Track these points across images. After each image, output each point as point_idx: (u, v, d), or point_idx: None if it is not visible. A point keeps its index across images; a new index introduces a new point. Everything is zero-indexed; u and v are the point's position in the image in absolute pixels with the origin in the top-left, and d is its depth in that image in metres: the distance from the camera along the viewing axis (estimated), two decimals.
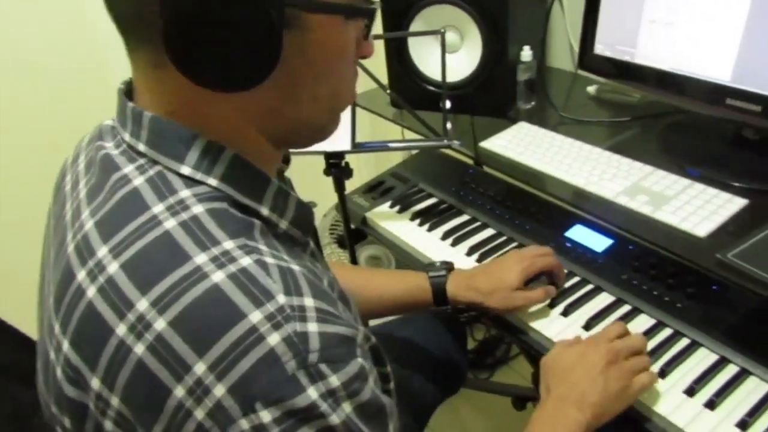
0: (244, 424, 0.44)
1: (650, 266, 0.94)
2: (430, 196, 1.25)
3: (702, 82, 1.02)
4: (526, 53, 1.25)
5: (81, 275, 0.50)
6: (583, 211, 1.04)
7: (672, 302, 0.89)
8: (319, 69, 0.53)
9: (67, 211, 0.57)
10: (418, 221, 1.18)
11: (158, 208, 0.49)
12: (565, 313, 0.92)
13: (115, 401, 0.47)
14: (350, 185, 1.27)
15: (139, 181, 0.51)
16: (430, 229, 1.16)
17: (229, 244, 0.48)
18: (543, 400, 0.77)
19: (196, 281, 0.46)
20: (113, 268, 0.48)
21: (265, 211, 0.54)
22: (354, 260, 1.39)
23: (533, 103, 1.33)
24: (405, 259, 1.15)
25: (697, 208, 0.93)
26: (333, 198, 1.24)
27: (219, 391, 0.44)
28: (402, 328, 1.14)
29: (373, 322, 1.19)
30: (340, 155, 1.17)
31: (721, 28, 0.96)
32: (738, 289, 0.85)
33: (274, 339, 0.44)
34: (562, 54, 1.47)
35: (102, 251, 0.49)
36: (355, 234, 1.32)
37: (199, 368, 0.44)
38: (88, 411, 0.49)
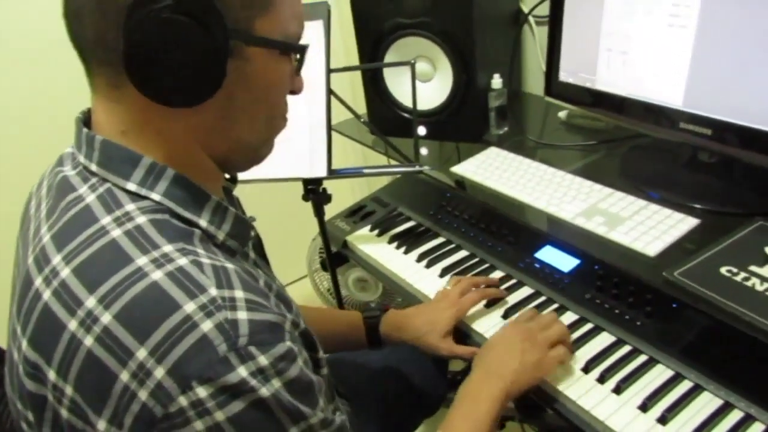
0: (183, 401, 0.49)
1: (613, 285, 0.96)
2: (408, 219, 1.29)
3: (656, 107, 1.05)
4: (497, 81, 1.30)
5: (38, 281, 0.56)
6: (546, 233, 1.07)
7: (632, 320, 0.91)
8: (255, 95, 0.61)
9: (30, 231, 0.63)
10: (395, 244, 1.22)
11: (106, 220, 0.56)
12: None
13: (69, 390, 0.52)
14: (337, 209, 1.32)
15: (90, 198, 0.58)
16: (406, 252, 1.19)
17: (167, 248, 0.54)
18: (470, 375, 0.86)
19: (137, 279, 0.52)
20: (65, 272, 0.54)
21: (203, 222, 0.60)
22: (336, 283, 1.42)
23: (506, 128, 1.37)
24: (383, 280, 1.18)
25: (650, 228, 0.96)
26: None
27: (159, 373, 0.49)
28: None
29: None
30: (317, 181, 1.22)
31: (671, 55, 1.00)
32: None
33: (206, 326, 0.50)
34: (536, 80, 1.52)
35: (56, 259, 0.55)
36: (338, 257, 1.36)
37: (141, 354, 0.50)
38: (46, 402, 0.54)
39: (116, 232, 0.55)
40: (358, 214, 1.35)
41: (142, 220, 0.56)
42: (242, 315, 0.52)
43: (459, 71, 1.28)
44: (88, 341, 0.51)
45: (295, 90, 0.67)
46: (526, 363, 0.84)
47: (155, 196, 0.58)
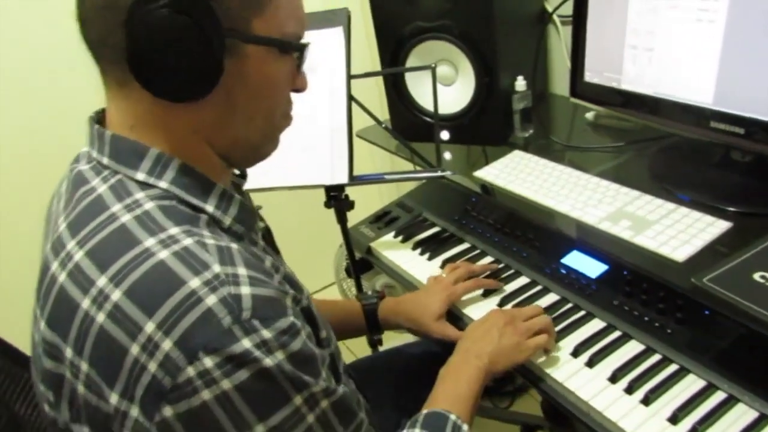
0: (191, 371, 0.52)
1: (642, 291, 0.93)
2: (433, 225, 1.28)
3: (685, 106, 1.02)
4: (520, 83, 1.27)
5: (54, 265, 0.60)
6: (573, 237, 1.05)
7: (662, 327, 0.88)
8: (254, 93, 0.63)
9: (50, 225, 0.67)
10: (419, 250, 1.21)
11: (116, 207, 0.59)
12: (555, 340, 0.92)
13: (84, 366, 0.56)
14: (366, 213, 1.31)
15: (102, 188, 0.61)
16: (430, 258, 1.18)
17: (174, 230, 0.57)
18: (450, 356, 0.89)
19: (145, 259, 0.55)
20: (79, 255, 0.58)
21: (210, 208, 0.63)
22: (360, 288, 1.42)
23: (531, 131, 1.34)
24: (407, 287, 1.17)
25: (678, 232, 0.92)
26: None
27: (167, 345, 0.52)
28: (412, 346, 1.20)
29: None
30: (339, 188, 1.21)
31: (699, 51, 0.96)
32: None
33: (211, 300, 0.53)
34: (563, 81, 1.48)
35: (71, 244, 0.59)
36: (362, 263, 1.36)
37: (149, 327, 0.52)
38: (64, 380, 0.58)
39: (126, 218, 0.58)
40: (383, 219, 1.34)
41: (150, 205, 0.59)
42: (245, 290, 0.55)
43: (481, 74, 1.26)
44: (100, 317, 0.54)
45: (298, 88, 0.69)
46: (503, 345, 0.87)
47: (163, 185, 0.61)
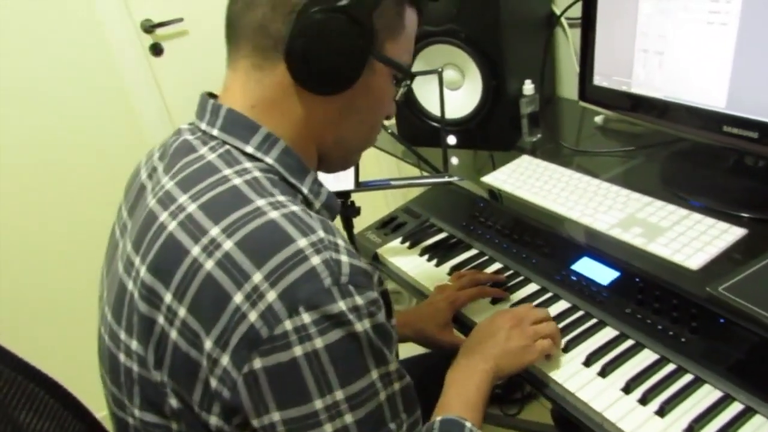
0: (288, 324, 0.55)
1: (654, 300, 0.91)
2: (440, 230, 1.26)
3: (697, 110, 1.00)
4: (528, 87, 1.26)
5: (163, 216, 0.63)
6: (583, 244, 1.03)
7: (676, 336, 0.86)
8: (370, 104, 0.72)
9: (146, 190, 0.70)
10: (426, 256, 1.19)
11: (228, 171, 0.63)
12: (566, 348, 0.90)
13: (182, 312, 0.58)
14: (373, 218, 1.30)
15: (212, 156, 0.66)
16: (437, 265, 1.17)
17: (281, 197, 0.62)
18: (456, 359, 0.88)
19: (258, 216, 0.59)
20: (192, 207, 0.61)
21: (305, 189, 0.69)
22: None
23: (539, 135, 1.33)
24: (415, 294, 1.15)
25: (691, 239, 0.91)
26: None
27: (271, 296, 0.55)
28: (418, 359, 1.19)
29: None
30: (345, 194, 1.20)
31: (711, 55, 0.95)
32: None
33: (315, 260, 0.57)
34: (571, 85, 1.47)
35: (182, 198, 0.63)
36: None
37: (257, 277, 0.55)
38: (155, 324, 0.60)
39: (237, 180, 0.62)
40: (389, 225, 1.33)
41: (258, 174, 0.64)
42: (345, 258, 0.59)
43: (488, 78, 1.25)
44: (209, 264, 0.57)
45: (390, 114, 0.76)
46: (510, 348, 0.86)
47: (269, 160, 0.66)
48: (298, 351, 0.55)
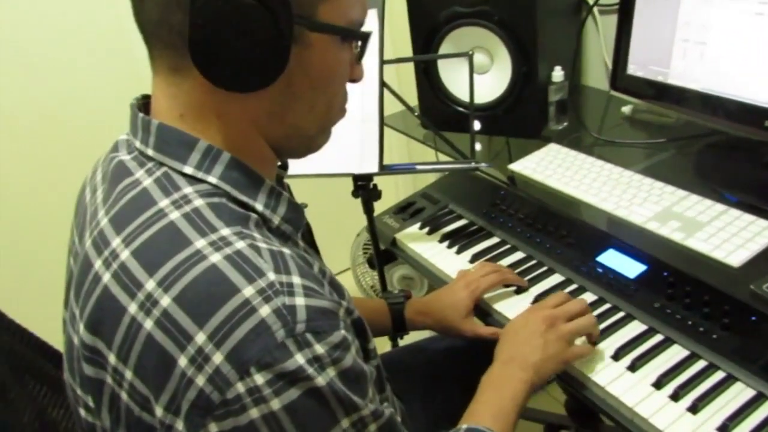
0: (241, 387, 0.49)
1: (685, 294, 0.90)
2: (460, 217, 1.24)
3: (738, 103, 0.98)
4: (558, 73, 1.24)
5: (97, 264, 0.56)
6: (609, 235, 1.01)
7: (707, 333, 0.85)
8: (314, 82, 0.60)
9: (86, 217, 0.63)
10: (446, 243, 1.17)
11: (164, 202, 0.56)
12: (594, 342, 0.89)
13: (128, 374, 0.52)
14: (385, 204, 1.28)
15: (147, 182, 0.58)
16: (458, 252, 1.15)
17: (225, 231, 0.54)
18: (492, 364, 0.84)
19: (196, 262, 0.52)
20: (125, 254, 0.54)
21: (259, 206, 0.60)
22: (383, 280, 1.38)
23: (566, 123, 1.30)
24: (433, 280, 1.14)
25: (731, 235, 0.89)
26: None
27: (217, 358, 0.49)
28: (434, 341, 1.17)
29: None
30: (368, 177, 1.18)
31: (758, 47, 0.92)
32: None
33: (265, 311, 0.50)
34: (597, 73, 1.45)
35: (115, 241, 0.55)
36: (385, 255, 1.32)
37: (200, 338, 0.49)
38: (104, 385, 0.55)
39: (174, 215, 0.55)
40: (407, 210, 1.30)
41: (199, 203, 0.56)
42: (300, 301, 0.52)
43: (519, 63, 1.22)
44: (148, 324, 0.51)
45: (355, 78, 0.66)
46: (548, 354, 0.82)
47: (212, 179, 0.58)
48: (254, 413, 0.49)
